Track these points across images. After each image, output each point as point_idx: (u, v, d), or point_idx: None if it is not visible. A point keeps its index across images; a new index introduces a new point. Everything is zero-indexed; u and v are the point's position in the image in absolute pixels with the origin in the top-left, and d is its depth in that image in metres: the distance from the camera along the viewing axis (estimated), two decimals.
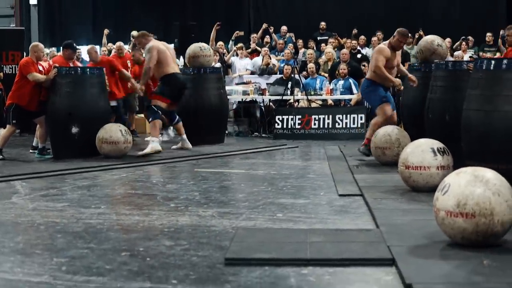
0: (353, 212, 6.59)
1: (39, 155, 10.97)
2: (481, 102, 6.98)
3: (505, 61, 7.06)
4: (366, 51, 17.61)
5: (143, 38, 11.37)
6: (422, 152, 7.31)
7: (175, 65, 11.58)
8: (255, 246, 5.19)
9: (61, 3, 25.24)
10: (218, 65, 15.25)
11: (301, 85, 14.85)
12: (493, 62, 7.13)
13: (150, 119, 11.22)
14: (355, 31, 18.43)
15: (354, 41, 17.63)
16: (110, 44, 19.60)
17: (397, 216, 6.15)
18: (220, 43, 17.96)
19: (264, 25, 19.07)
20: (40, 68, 10.93)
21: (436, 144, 7.42)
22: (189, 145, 11.55)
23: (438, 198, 5.05)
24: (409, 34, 10.59)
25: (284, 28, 19.38)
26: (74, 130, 10.60)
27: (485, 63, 7.16)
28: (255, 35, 19.08)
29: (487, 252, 4.83)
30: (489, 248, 4.91)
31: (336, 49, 17.67)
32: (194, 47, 13.04)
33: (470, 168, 5.16)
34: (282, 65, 16.28)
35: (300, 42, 18.66)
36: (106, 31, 19.67)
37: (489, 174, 5.02)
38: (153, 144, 10.88)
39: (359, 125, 13.41)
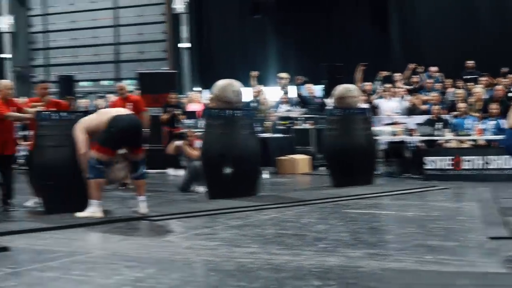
0: (503, 256, 6.50)
1: None
2: None
3: None
4: None
5: None
6: None
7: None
8: None
9: (210, 46, 26.03)
10: (365, 105, 15.32)
11: (451, 125, 14.67)
12: None
13: (88, 178, 9.12)
14: (505, 69, 18.02)
15: (504, 80, 17.21)
16: (258, 86, 20.06)
17: None
18: (367, 83, 18.05)
19: (412, 65, 18.99)
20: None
21: None
22: (144, 210, 9.23)
23: None
24: None
25: (433, 68, 19.23)
26: (227, 170, 10.82)
27: None
28: (399, 74, 19.04)
29: None
30: None
31: (489, 88, 17.36)
32: (341, 88, 13.15)
33: None
34: (430, 106, 16.16)
35: (448, 81, 18.44)
36: (253, 73, 20.15)
37: None
38: (90, 208, 9.01)
39: None
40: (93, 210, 8.94)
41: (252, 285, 5.48)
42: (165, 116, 16.01)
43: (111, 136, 9.01)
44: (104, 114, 9.34)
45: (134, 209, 9.32)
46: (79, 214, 8.92)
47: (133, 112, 11.17)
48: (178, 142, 12.65)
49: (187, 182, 12.48)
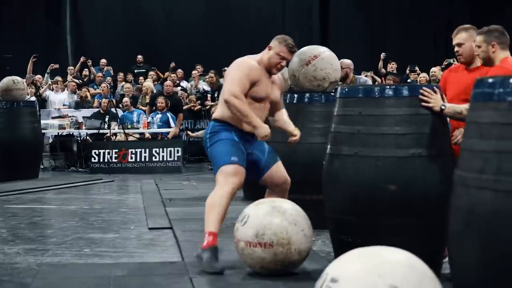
0: (160, 245, 6.64)
1: None
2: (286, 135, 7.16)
3: (307, 95, 7.43)
4: (185, 84, 17.92)
5: None
6: None
7: None
8: (58, 283, 5.17)
9: None
10: (33, 98, 14.96)
11: (118, 118, 14.77)
12: (295, 95, 7.49)
13: None
14: (172, 64, 18.61)
15: (172, 75, 17.79)
16: None
17: None
18: (38, 76, 17.66)
19: (82, 58, 18.92)
20: None
21: None
22: None
23: (238, 228, 5.16)
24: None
25: (103, 61, 19.29)
26: None
27: (288, 96, 7.46)
28: (72, 68, 18.88)
29: (286, 280, 4.99)
30: (287, 276, 5.08)
31: (157, 82, 17.77)
32: (7, 80, 12.83)
33: (268, 199, 5.34)
34: (99, 99, 16.22)
35: (121, 75, 18.57)
36: None
37: (286, 205, 5.19)
38: None
39: (175, 158, 13.52)
40: None
41: None
42: None
43: None
44: None
45: None
46: None
47: None
48: None
49: None
